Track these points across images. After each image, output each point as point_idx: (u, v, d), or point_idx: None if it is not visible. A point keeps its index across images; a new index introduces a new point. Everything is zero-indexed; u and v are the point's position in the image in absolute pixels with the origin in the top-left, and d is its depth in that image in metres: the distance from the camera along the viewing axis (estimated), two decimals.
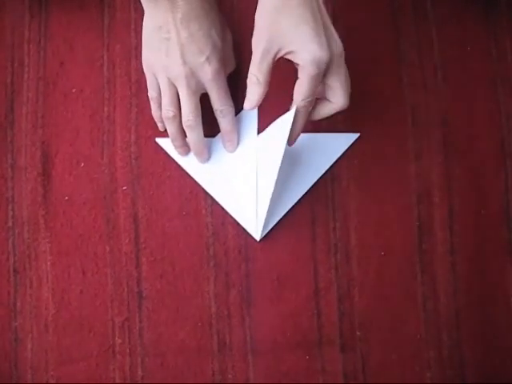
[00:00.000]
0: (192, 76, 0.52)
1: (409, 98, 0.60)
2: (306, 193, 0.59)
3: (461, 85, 0.61)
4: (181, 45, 0.51)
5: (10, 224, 0.59)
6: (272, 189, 0.58)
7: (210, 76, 0.52)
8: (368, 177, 0.59)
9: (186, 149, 0.58)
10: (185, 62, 0.51)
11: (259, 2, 0.49)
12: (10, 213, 0.59)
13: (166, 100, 0.54)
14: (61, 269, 0.58)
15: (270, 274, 0.58)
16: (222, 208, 0.58)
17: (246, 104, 0.52)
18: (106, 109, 0.60)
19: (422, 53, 0.61)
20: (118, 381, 0.57)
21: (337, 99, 0.50)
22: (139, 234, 0.58)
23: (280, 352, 0.57)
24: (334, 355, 0.57)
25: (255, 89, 0.50)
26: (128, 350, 0.57)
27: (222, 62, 0.53)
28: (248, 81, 0.51)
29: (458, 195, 0.59)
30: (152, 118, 0.59)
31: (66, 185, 0.59)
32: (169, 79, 0.53)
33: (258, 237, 0.58)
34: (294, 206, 0.58)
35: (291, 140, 0.53)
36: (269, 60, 0.49)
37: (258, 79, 0.50)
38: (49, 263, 0.58)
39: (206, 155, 0.58)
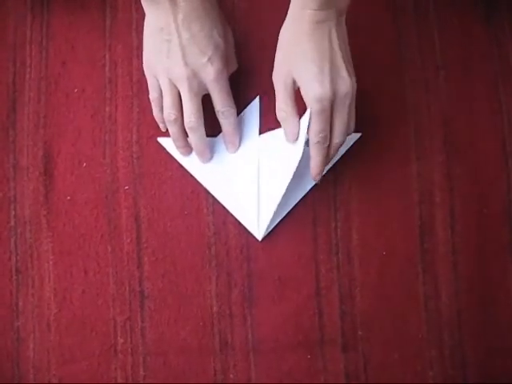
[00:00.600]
0: (194, 77, 0.51)
1: (410, 99, 0.60)
2: (308, 192, 0.59)
3: (462, 85, 0.61)
4: (182, 46, 0.51)
5: (12, 224, 0.59)
6: (274, 189, 0.58)
7: (212, 77, 0.52)
8: (369, 177, 0.59)
9: (188, 149, 0.58)
10: (186, 64, 0.51)
11: (279, 36, 0.52)
12: (12, 212, 0.59)
13: (168, 102, 0.54)
14: (63, 268, 0.58)
15: (272, 274, 0.58)
16: (224, 207, 0.58)
17: (289, 138, 0.53)
18: (107, 109, 0.61)
19: (423, 53, 0.61)
20: (119, 380, 0.57)
21: (335, 136, 0.51)
22: (141, 233, 0.59)
23: (282, 351, 0.57)
24: (336, 355, 0.57)
25: (289, 123, 0.52)
26: (130, 350, 0.57)
27: (225, 62, 0.53)
28: (279, 117, 0.52)
29: (460, 195, 0.59)
30: (153, 118, 0.59)
31: (67, 185, 0.59)
32: (170, 81, 0.52)
33: (259, 236, 0.58)
34: (295, 206, 0.58)
35: (314, 176, 0.53)
36: (290, 93, 0.51)
37: (287, 114, 0.51)
38: (51, 263, 0.58)
39: (209, 155, 0.58)
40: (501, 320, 0.57)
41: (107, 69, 0.61)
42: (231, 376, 0.57)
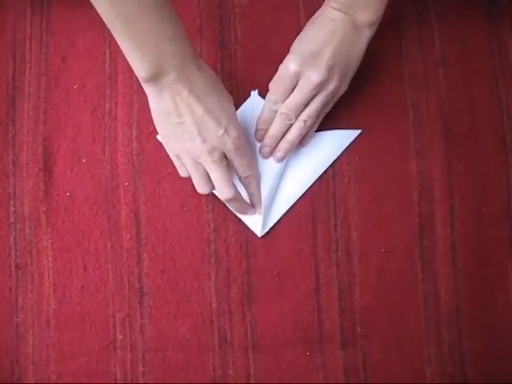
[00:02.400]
0: (214, 150, 0.51)
1: (410, 95, 0.60)
2: (307, 190, 0.59)
3: (462, 81, 0.61)
4: (196, 125, 0.50)
5: (12, 220, 0.59)
6: (273, 185, 0.58)
7: (230, 146, 0.51)
8: (369, 173, 0.59)
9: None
10: (204, 141, 0.50)
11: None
12: (12, 208, 0.59)
13: (196, 180, 0.53)
14: (62, 264, 0.58)
15: (271, 271, 0.58)
16: (224, 204, 0.58)
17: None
18: (107, 105, 0.61)
19: (423, 49, 0.61)
20: (118, 376, 0.57)
21: (301, 116, 0.55)
22: (140, 229, 0.59)
23: (280, 348, 0.57)
24: (335, 351, 0.57)
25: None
26: (129, 346, 0.57)
27: (239, 128, 0.52)
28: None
29: (459, 192, 0.59)
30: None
31: (67, 181, 0.59)
32: (193, 159, 0.52)
33: (259, 233, 0.58)
34: (295, 203, 0.58)
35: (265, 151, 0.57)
36: (287, 80, 0.55)
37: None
38: (50, 259, 0.58)
39: (254, 210, 0.58)
40: (499, 317, 0.57)
41: (107, 65, 0.61)
42: (230, 372, 0.57)
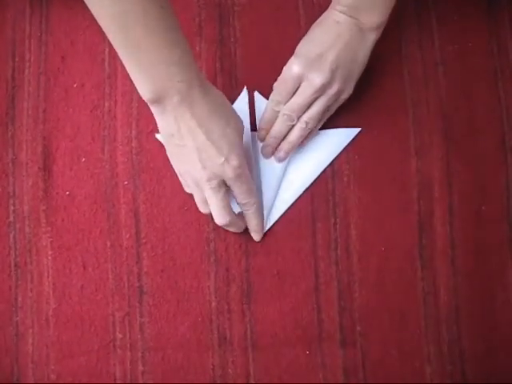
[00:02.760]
0: (214, 178, 0.50)
1: (409, 94, 0.60)
2: (307, 188, 0.59)
3: (462, 80, 0.61)
4: (197, 150, 0.49)
5: (11, 219, 0.59)
6: (275, 185, 0.58)
7: (231, 175, 0.50)
8: (368, 172, 0.59)
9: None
10: (204, 167, 0.50)
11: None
12: (11, 208, 0.59)
13: (197, 200, 0.54)
14: (62, 263, 0.58)
15: (271, 269, 0.58)
16: None
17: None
18: (106, 104, 0.61)
19: (422, 49, 0.61)
20: (118, 375, 0.57)
21: (303, 117, 0.56)
22: (140, 229, 0.59)
23: (280, 347, 0.57)
24: (334, 350, 0.57)
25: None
26: (129, 345, 0.57)
27: (242, 156, 0.52)
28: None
29: (459, 190, 0.59)
30: (153, 114, 0.59)
31: (66, 180, 0.59)
32: (194, 181, 0.52)
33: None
34: (294, 202, 0.58)
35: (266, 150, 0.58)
36: (290, 82, 0.56)
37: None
38: (50, 258, 0.58)
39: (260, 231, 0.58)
40: (499, 316, 0.57)
41: (106, 64, 0.61)
42: (230, 371, 0.57)
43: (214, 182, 0.50)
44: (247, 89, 0.60)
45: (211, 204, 0.52)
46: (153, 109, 0.49)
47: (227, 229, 0.56)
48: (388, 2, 0.52)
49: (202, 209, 0.54)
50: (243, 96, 0.59)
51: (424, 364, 0.57)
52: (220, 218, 0.52)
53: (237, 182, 0.51)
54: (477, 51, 0.61)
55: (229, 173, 0.50)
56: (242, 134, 0.53)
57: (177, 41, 0.45)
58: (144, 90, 0.47)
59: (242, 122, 0.53)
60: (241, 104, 0.59)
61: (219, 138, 0.49)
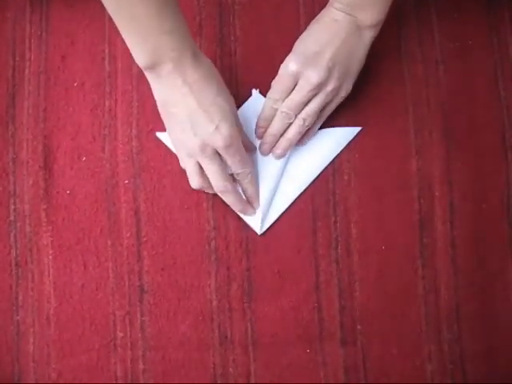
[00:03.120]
0: (206, 145, 0.51)
1: (410, 92, 0.60)
2: (307, 187, 0.59)
3: (462, 78, 0.61)
4: (189, 117, 0.50)
5: (12, 218, 0.59)
6: (273, 183, 0.58)
7: (221, 144, 0.51)
8: (369, 171, 0.59)
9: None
10: (195, 134, 0.50)
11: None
12: (12, 207, 0.59)
13: (189, 172, 0.54)
14: (62, 262, 0.58)
15: (271, 268, 0.58)
16: (224, 202, 0.58)
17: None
18: (107, 103, 0.61)
19: (423, 47, 0.61)
20: (119, 374, 0.57)
21: (301, 115, 0.56)
22: (140, 227, 0.59)
23: (281, 345, 0.57)
24: (335, 349, 0.57)
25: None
26: (129, 344, 0.57)
27: (234, 126, 0.52)
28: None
29: (459, 189, 0.59)
30: (153, 112, 0.59)
31: (67, 179, 0.59)
32: (186, 151, 0.52)
33: (259, 231, 0.58)
34: (295, 200, 0.58)
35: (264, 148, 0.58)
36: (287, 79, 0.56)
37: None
38: (50, 257, 0.58)
39: (253, 209, 0.57)
40: (499, 314, 0.57)
41: (107, 63, 0.61)
42: (230, 370, 0.57)
43: (208, 150, 0.51)
44: (248, 88, 0.60)
45: (209, 171, 0.52)
46: (148, 76, 0.50)
47: (225, 199, 0.55)
48: (386, 1, 0.52)
49: (193, 181, 0.54)
50: (255, 97, 0.60)
51: (424, 363, 0.57)
52: (219, 183, 0.53)
53: (228, 151, 0.52)
54: (477, 48, 0.61)
55: (219, 142, 0.51)
56: (234, 106, 0.53)
57: (169, 11, 0.47)
58: (138, 57, 0.48)
59: (231, 96, 0.53)
60: (251, 105, 0.59)
61: (210, 105, 0.50)
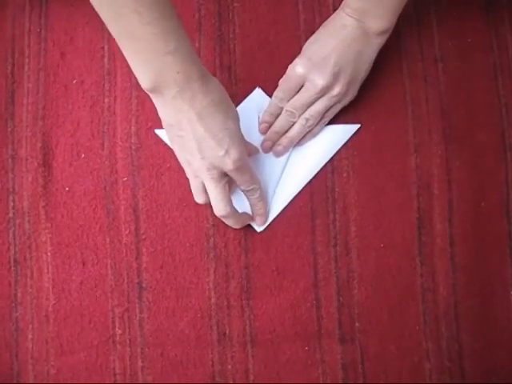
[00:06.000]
0: (213, 168, 0.50)
1: (409, 90, 0.60)
2: (306, 184, 0.59)
3: (461, 77, 0.61)
4: (197, 141, 0.49)
5: (11, 215, 0.59)
6: (274, 181, 0.58)
7: (231, 167, 0.50)
8: (368, 168, 0.59)
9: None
10: (204, 158, 0.49)
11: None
12: (11, 204, 0.59)
13: (193, 189, 0.54)
14: (61, 259, 0.58)
15: (270, 266, 0.58)
16: None
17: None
18: (106, 100, 0.61)
19: (422, 45, 0.61)
20: (117, 371, 0.57)
21: (304, 114, 0.57)
22: (139, 225, 0.59)
23: (279, 343, 0.57)
24: (333, 346, 0.57)
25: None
26: (128, 341, 0.57)
27: (242, 147, 0.51)
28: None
29: (458, 187, 0.59)
30: (152, 109, 0.59)
31: (66, 176, 0.59)
32: (192, 171, 0.52)
33: (258, 228, 0.58)
34: (293, 198, 0.58)
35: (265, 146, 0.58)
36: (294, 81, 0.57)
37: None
38: (49, 254, 0.58)
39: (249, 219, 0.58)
40: (498, 312, 0.57)
41: (106, 60, 0.61)
42: (229, 367, 0.57)
43: (215, 172, 0.50)
44: (247, 85, 0.60)
45: (211, 194, 0.52)
46: (153, 98, 0.49)
47: (225, 221, 0.55)
48: (396, 8, 0.53)
49: (198, 198, 0.54)
50: (256, 94, 0.60)
51: (423, 360, 0.57)
52: (220, 208, 0.52)
53: (238, 173, 0.51)
54: (476, 47, 0.61)
55: (229, 165, 0.50)
56: (239, 123, 0.52)
57: (172, 30, 0.45)
58: (142, 80, 0.46)
59: (237, 112, 0.52)
60: (252, 102, 0.59)
61: (220, 131, 0.49)
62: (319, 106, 0.56)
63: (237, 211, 0.54)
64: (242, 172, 0.51)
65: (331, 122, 0.59)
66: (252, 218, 0.57)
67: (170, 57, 0.45)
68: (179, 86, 0.46)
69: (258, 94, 0.60)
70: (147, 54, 0.45)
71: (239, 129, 0.51)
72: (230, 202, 0.52)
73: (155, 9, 0.43)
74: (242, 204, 0.57)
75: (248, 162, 0.52)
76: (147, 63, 0.45)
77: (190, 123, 0.48)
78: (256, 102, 0.59)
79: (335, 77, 0.54)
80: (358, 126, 0.60)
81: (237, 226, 0.57)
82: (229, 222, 0.55)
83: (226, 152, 0.49)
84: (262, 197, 0.56)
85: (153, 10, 0.43)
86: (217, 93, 0.49)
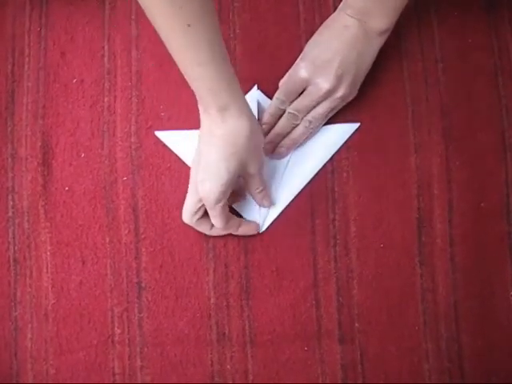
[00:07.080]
0: (223, 198, 0.51)
1: (409, 90, 0.60)
2: (306, 185, 0.59)
3: (461, 77, 0.61)
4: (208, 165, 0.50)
5: (11, 214, 0.59)
6: (276, 182, 0.58)
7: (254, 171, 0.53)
8: (368, 169, 0.59)
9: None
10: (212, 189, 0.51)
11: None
12: (10, 203, 0.59)
13: (188, 205, 0.55)
14: (60, 259, 0.58)
15: (269, 266, 0.58)
16: None
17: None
18: (106, 99, 0.61)
19: (422, 45, 0.61)
20: (117, 370, 0.57)
21: (306, 117, 0.57)
22: (139, 224, 0.59)
23: (279, 343, 0.57)
24: (333, 346, 0.57)
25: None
26: (127, 340, 0.57)
27: (262, 166, 0.54)
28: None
29: (458, 187, 0.59)
30: (152, 109, 0.59)
31: (66, 175, 0.59)
32: (197, 196, 0.53)
33: (259, 229, 0.58)
34: (293, 198, 0.58)
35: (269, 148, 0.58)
36: (296, 84, 0.58)
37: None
38: (49, 253, 0.58)
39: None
40: (497, 313, 0.57)
41: (106, 59, 0.61)
42: (228, 367, 0.57)
43: (224, 202, 0.51)
44: (247, 85, 0.60)
45: (213, 218, 0.53)
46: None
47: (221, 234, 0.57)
48: (397, 8, 0.53)
49: (187, 217, 0.54)
50: (253, 94, 0.59)
51: (422, 361, 0.57)
52: (219, 228, 0.54)
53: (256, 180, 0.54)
54: (477, 47, 0.61)
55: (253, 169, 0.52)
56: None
57: (211, 58, 0.46)
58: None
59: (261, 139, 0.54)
60: (249, 101, 0.59)
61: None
62: (322, 108, 0.56)
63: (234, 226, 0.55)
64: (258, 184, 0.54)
65: (331, 122, 0.59)
66: (255, 226, 0.58)
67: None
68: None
69: (255, 92, 0.60)
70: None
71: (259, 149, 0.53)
72: (230, 221, 0.54)
73: (188, 37, 0.44)
74: (249, 210, 0.58)
75: (264, 174, 0.55)
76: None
77: (201, 154, 0.51)
78: (254, 101, 0.59)
79: (339, 79, 0.54)
80: (358, 124, 0.59)
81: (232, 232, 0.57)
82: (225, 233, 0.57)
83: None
84: (267, 197, 0.57)
85: (185, 38, 0.44)
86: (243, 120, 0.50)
